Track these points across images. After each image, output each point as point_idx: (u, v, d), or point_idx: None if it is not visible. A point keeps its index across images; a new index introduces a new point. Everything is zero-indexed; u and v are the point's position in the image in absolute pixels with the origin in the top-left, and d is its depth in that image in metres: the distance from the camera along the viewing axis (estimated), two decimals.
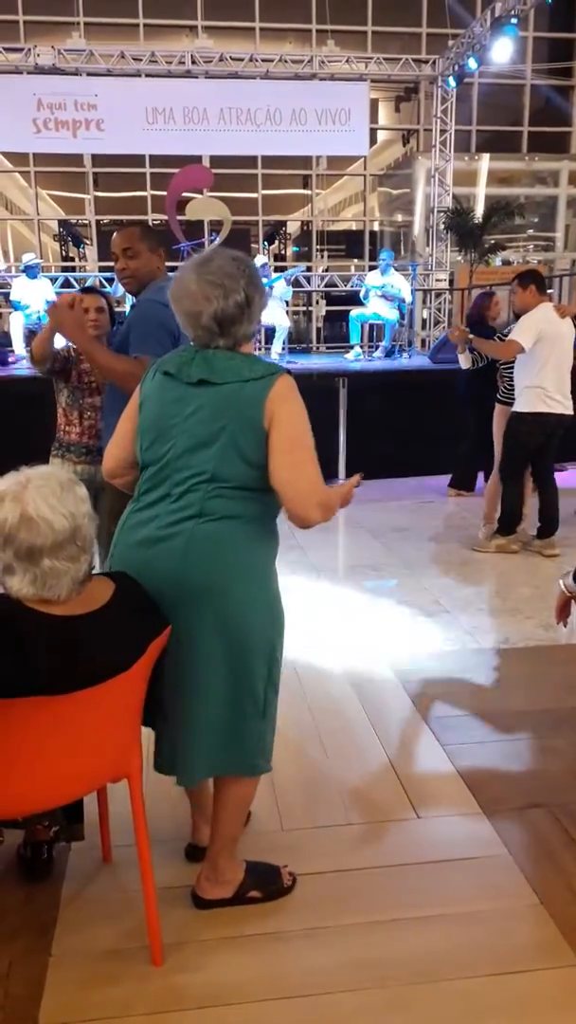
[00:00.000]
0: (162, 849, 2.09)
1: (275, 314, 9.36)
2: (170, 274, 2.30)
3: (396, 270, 10.03)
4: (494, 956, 1.81)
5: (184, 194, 11.84)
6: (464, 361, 5.26)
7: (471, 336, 4.92)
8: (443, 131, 13.19)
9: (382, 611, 3.98)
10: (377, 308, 9.67)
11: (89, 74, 11.96)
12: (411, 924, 1.91)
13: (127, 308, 9.74)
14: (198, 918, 1.94)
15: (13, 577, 1.56)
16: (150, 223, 13.66)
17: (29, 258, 9.61)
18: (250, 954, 1.83)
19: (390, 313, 9.62)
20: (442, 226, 13.30)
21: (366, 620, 3.88)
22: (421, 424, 7.18)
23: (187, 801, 2.17)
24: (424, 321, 13.38)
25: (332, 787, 2.48)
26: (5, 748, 1.55)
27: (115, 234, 2.85)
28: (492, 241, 13.72)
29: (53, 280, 10.83)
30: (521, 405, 4.58)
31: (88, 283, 12.64)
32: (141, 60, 12.08)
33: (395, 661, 3.35)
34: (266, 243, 16.19)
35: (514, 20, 9.66)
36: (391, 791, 2.44)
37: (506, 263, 15.91)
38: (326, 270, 14.68)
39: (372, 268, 13.08)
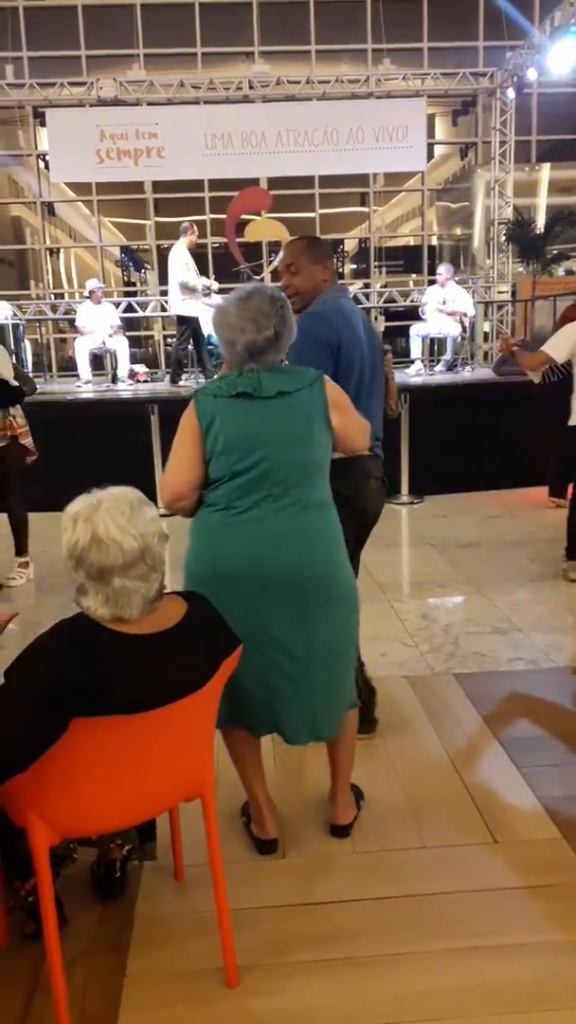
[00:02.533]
0: (234, 870, 2.08)
1: None
2: (340, 282, 2.42)
3: (457, 283, 9.94)
4: None
5: (243, 216, 12.00)
6: (535, 376, 5.14)
7: (515, 346, 4.77)
8: (502, 143, 13.08)
9: (450, 629, 3.91)
10: (438, 322, 9.59)
11: (149, 103, 12.25)
12: (492, 952, 1.85)
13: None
14: (272, 941, 1.92)
15: (87, 596, 1.59)
16: (209, 246, 13.90)
17: (92, 284, 9.84)
18: (327, 979, 1.80)
19: (452, 327, 9.53)
20: (503, 238, 13.15)
21: (433, 638, 3.81)
22: (486, 437, 7.06)
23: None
24: (486, 334, 13.23)
25: (405, 808, 2.43)
26: (81, 767, 1.57)
27: (281, 249, 2.74)
28: (555, 251, 13.50)
29: (116, 305, 11.06)
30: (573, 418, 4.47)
31: (149, 308, 12.90)
32: (200, 88, 12.32)
33: (466, 680, 3.28)
34: None
35: (574, 27, 9.53)
36: (467, 814, 2.38)
37: (569, 272, 15.64)
38: (384, 286, 14.65)
39: (432, 283, 13.02)
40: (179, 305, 8.47)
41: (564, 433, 4.54)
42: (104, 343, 9.66)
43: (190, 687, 1.60)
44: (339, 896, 2.06)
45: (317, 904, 2.04)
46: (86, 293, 9.81)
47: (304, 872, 2.17)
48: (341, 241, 18.45)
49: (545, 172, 15.71)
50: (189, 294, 8.35)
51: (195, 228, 8.62)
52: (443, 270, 9.71)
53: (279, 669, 2.05)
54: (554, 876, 2.09)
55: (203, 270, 11.64)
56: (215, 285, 9.27)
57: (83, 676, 1.48)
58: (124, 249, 17.20)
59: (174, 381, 8.91)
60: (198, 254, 8.95)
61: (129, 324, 12.12)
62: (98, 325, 9.56)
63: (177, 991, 1.78)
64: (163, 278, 14.75)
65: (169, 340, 15.05)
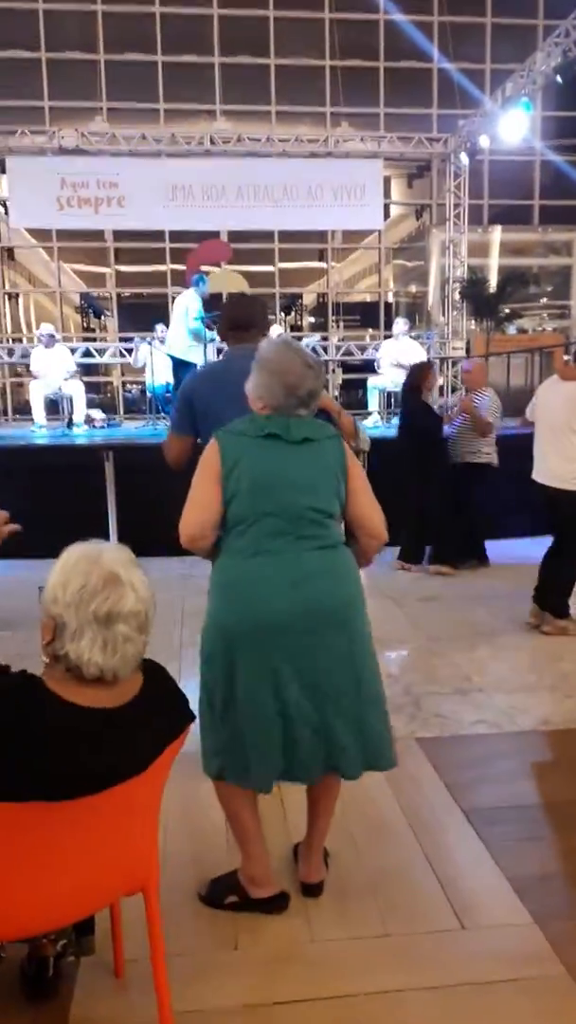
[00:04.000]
0: (181, 965, 1.89)
1: None
2: (293, 334, 2.44)
3: (412, 339, 10.06)
4: None
5: (203, 267, 12.06)
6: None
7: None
8: (456, 205, 13.45)
9: (411, 688, 3.78)
10: (392, 375, 9.67)
11: (111, 155, 12.34)
12: None
13: (148, 376, 9.86)
14: None
15: (80, 641, 1.45)
16: (169, 296, 13.93)
17: (45, 329, 9.78)
18: None
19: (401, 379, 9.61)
20: (458, 296, 13.45)
21: (394, 698, 3.67)
22: None
23: (204, 911, 1.99)
24: (441, 388, 13.40)
25: (365, 887, 2.27)
26: (8, 860, 1.39)
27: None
28: (507, 310, 13.85)
29: (73, 351, 10.97)
30: None
31: (108, 353, 12.81)
32: (161, 141, 12.46)
33: (427, 745, 3.14)
34: (283, 314, 16.45)
35: (525, 98, 9.89)
36: (431, 894, 2.22)
37: (521, 331, 16.05)
38: (342, 339, 14.83)
39: (387, 337, 13.20)
40: (184, 351, 8.41)
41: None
42: (60, 388, 9.52)
43: (137, 768, 1.44)
44: (297, 995, 1.88)
45: (272, 1006, 1.85)
46: (40, 337, 9.73)
47: (258, 966, 1.98)
48: (300, 295, 18.71)
49: (496, 234, 16.23)
50: (197, 342, 8.34)
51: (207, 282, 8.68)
52: (399, 324, 9.84)
53: (323, 707, 2.02)
54: (529, 968, 1.94)
55: (162, 318, 11.65)
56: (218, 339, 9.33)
57: (8, 758, 1.32)
58: (84, 295, 17.19)
59: None
60: (159, 304, 8.99)
61: (87, 370, 12.00)
62: (52, 369, 9.44)
63: None
64: (123, 326, 14.78)
65: (128, 386, 14.98)
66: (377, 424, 9.69)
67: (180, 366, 8.58)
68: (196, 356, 8.40)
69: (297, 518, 2.02)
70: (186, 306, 8.40)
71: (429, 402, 6.25)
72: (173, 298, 14.32)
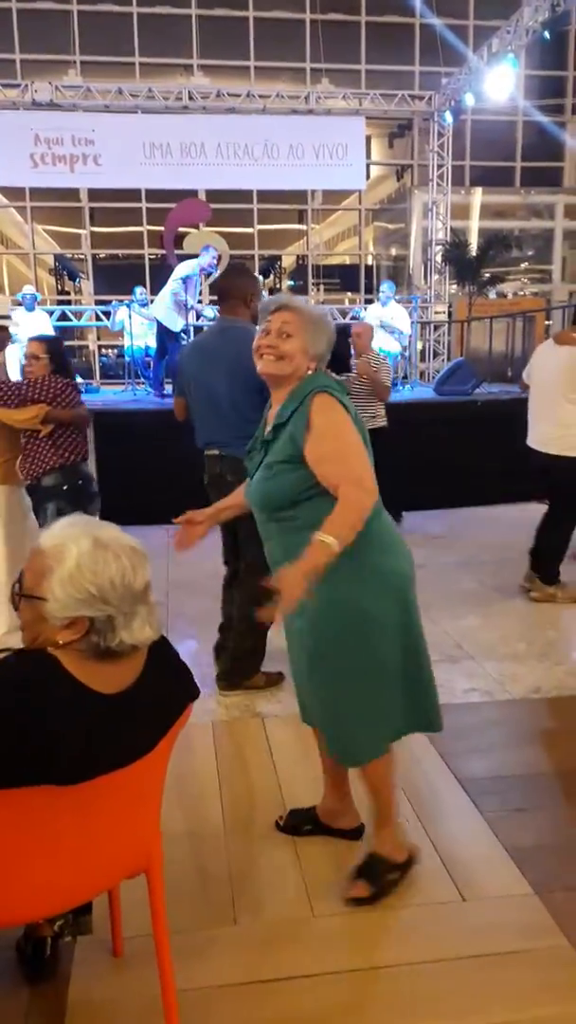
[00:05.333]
0: (180, 943, 1.86)
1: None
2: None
3: (396, 303, 9.94)
4: None
5: (181, 228, 11.80)
6: None
7: None
8: (439, 165, 13.24)
9: None
10: (378, 341, 9.54)
11: (86, 110, 11.97)
12: None
13: (126, 339, 9.65)
14: None
15: (132, 624, 1.36)
16: (147, 257, 13.65)
17: (27, 291, 9.52)
18: None
19: (391, 346, 9.49)
20: (440, 259, 13.29)
21: None
22: (426, 456, 6.99)
23: (201, 888, 1.95)
24: (422, 353, 13.32)
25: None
26: (6, 846, 1.33)
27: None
28: (488, 274, 13.72)
29: (50, 313, 10.72)
30: None
31: (85, 317, 12.56)
32: (138, 96, 12.11)
33: None
34: (262, 276, 16.19)
35: (512, 55, 9.69)
36: (431, 867, 2.20)
37: (501, 296, 15.96)
38: (322, 303, 14.65)
39: (368, 301, 13.04)
40: (164, 313, 8.24)
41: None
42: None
43: (143, 749, 1.39)
44: (298, 971, 1.86)
45: (274, 981, 1.83)
46: (23, 299, 9.51)
47: (259, 943, 1.96)
48: (279, 257, 18.43)
49: (478, 196, 16.04)
50: (179, 310, 8.19)
51: (216, 254, 8.46)
52: (385, 288, 9.68)
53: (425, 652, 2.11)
54: (530, 940, 1.93)
55: (139, 281, 11.39)
56: (208, 310, 9.11)
57: (33, 739, 1.25)
58: (59, 257, 16.80)
59: (160, 391, 8.56)
60: (136, 266, 8.81)
61: (63, 334, 11.73)
62: (30, 333, 9.21)
63: None
64: (99, 288, 14.48)
65: (104, 350, 14.72)
66: None
67: (161, 331, 8.43)
68: (172, 322, 8.26)
69: None
70: (178, 272, 8.23)
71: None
72: (150, 259, 14.06)
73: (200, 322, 8.74)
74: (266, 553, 2.12)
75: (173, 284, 8.14)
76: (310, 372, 2.03)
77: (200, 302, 8.84)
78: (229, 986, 1.82)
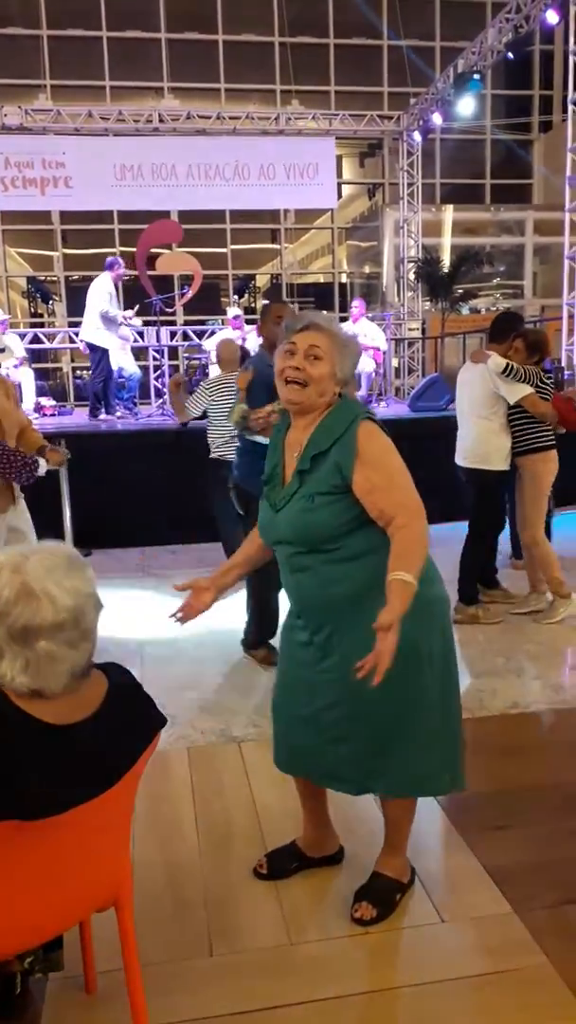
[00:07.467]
0: (153, 975, 1.82)
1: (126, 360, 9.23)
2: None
3: (369, 320, 10.01)
4: None
5: (154, 249, 11.82)
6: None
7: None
8: (410, 184, 13.39)
9: None
10: None
11: (57, 134, 12.00)
12: None
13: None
14: None
15: (2, 661, 1.33)
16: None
17: None
18: None
19: (366, 363, 9.54)
20: (412, 276, 13.42)
21: None
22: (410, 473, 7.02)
23: (174, 918, 1.90)
24: (396, 370, 13.41)
25: (340, 878, 2.22)
26: None
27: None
28: (461, 290, 13.87)
29: (22, 336, 10.68)
30: None
31: (57, 339, 12.51)
32: (108, 119, 12.16)
33: None
34: (236, 296, 16.27)
35: (476, 75, 9.85)
36: (410, 890, 2.18)
37: (474, 311, 16.13)
38: None
39: (343, 319, 13.12)
40: (93, 334, 8.26)
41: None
42: (8, 375, 9.26)
43: (105, 784, 1.36)
44: (278, 1000, 1.82)
45: (252, 1012, 1.79)
46: None
47: (235, 972, 1.91)
48: (253, 277, 18.53)
49: (449, 214, 16.24)
50: (108, 325, 8.19)
51: (122, 263, 8.47)
52: (356, 304, 9.75)
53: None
54: (510, 960, 1.91)
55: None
56: (136, 320, 9.14)
57: None
58: (31, 280, 16.78)
59: (93, 414, 8.60)
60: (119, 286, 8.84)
61: (37, 356, 11.70)
62: (2, 356, 9.17)
63: None
64: (72, 310, 14.45)
65: (79, 372, 14.69)
66: None
67: (94, 351, 8.40)
68: (106, 341, 8.28)
69: None
70: (97, 289, 8.23)
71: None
72: (124, 280, 14.06)
73: (123, 331, 8.82)
74: (290, 585, 2.01)
75: (100, 304, 8.14)
76: (338, 397, 1.95)
77: (127, 315, 8.88)
78: (207, 1018, 1.78)
